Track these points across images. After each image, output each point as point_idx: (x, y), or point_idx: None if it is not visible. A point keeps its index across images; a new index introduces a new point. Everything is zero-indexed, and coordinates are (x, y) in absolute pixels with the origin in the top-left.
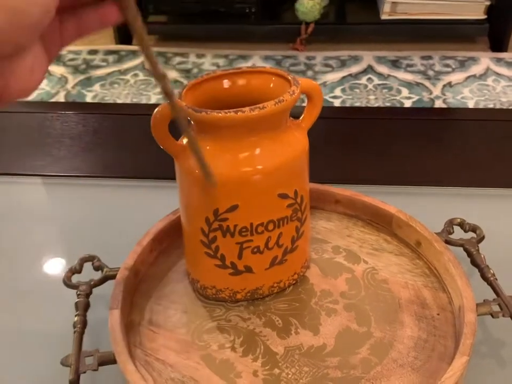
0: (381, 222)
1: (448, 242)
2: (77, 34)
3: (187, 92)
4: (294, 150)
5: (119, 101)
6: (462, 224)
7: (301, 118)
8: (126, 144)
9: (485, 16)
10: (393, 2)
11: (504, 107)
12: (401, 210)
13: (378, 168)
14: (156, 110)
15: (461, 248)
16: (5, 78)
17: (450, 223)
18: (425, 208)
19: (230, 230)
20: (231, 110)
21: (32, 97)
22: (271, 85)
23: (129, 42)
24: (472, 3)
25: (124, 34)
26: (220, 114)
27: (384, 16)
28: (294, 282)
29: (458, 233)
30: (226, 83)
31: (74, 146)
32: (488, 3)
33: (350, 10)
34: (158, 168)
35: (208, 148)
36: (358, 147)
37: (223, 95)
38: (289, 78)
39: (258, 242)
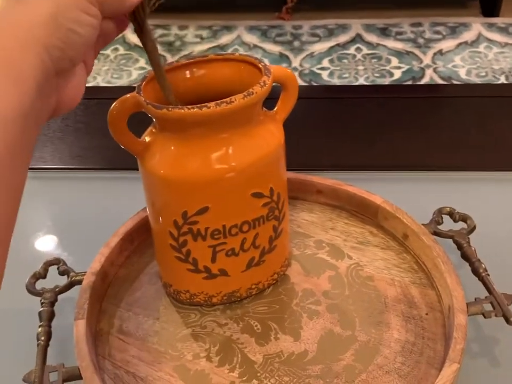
0: (366, 213)
1: (437, 234)
2: (103, 44)
3: (147, 84)
4: (268, 145)
5: (99, 78)
6: (451, 214)
7: (275, 109)
8: (97, 132)
9: None
10: None
11: (497, 75)
12: (387, 200)
13: (362, 153)
14: (113, 105)
15: (451, 240)
16: (60, 93)
17: (439, 213)
18: (413, 194)
19: (201, 233)
20: (195, 106)
21: None
22: (241, 74)
23: None
24: None
25: None
26: (182, 110)
27: None
28: (273, 282)
29: (447, 223)
30: (190, 73)
31: (41, 135)
32: None
33: None
34: (132, 157)
35: (172, 148)
36: (341, 129)
37: (188, 87)
38: (260, 66)
39: (233, 245)
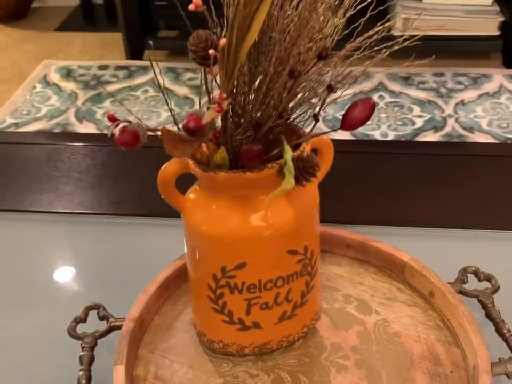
0: (393, 269)
1: (462, 292)
2: None
3: None
4: (304, 206)
5: (129, 118)
6: (476, 273)
7: None
8: (134, 179)
9: (499, 33)
10: (405, 18)
11: None
12: (414, 258)
13: (390, 208)
14: (163, 167)
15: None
16: None
17: (464, 272)
18: (439, 252)
19: (238, 287)
20: (239, 170)
21: (42, 113)
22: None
23: (139, 57)
24: (486, 19)
25: (134, 50)
26: (227, 174)
27: (396, 32)
28: (303, 335)
29: (472, 281)
30: None
31: (82, 181)
32: (501, 19)
33: (362, 27)
34: (167, 205)
35: (214, 206)
36: (370, 184)
37: None
38: (300, 133)
39: (267, 299)
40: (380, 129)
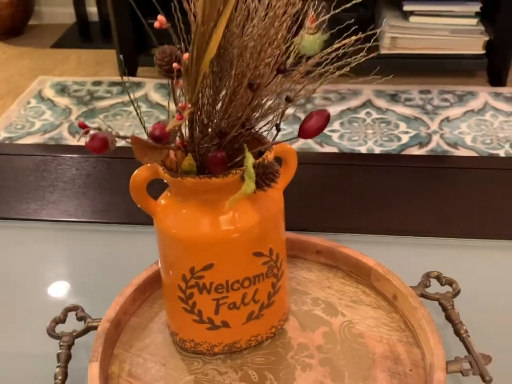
0: (360, 273)
1: (424, 296)
2: None
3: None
4: (269, 210)
5: (121, 133)
6: (438, 278)
7: None
8: (117, 188)
9: (484, 51)
10: (392, 37)
11: (501, 143)
12: (379, 263)
13: (360, 217)
14: (135, 173)
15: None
16: None
17: (427, 276)
18: (405, 258)
19: (206, 287)
20: (205, 176)
21: (36, 127)
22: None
23: (133, 74)
24: (471, 38)
25: (128, 66)
26: (194, 179)
27: (383, 51)
28: (271, 335)
29: (435, 286)
30: None
31: (67, 190)
32: (487, 38)
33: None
34: (148, 214)
35: (184, 210)
36: (341, 195)
37: None
38: (264, 141)
39: (235, 299)
40: (366, 144)
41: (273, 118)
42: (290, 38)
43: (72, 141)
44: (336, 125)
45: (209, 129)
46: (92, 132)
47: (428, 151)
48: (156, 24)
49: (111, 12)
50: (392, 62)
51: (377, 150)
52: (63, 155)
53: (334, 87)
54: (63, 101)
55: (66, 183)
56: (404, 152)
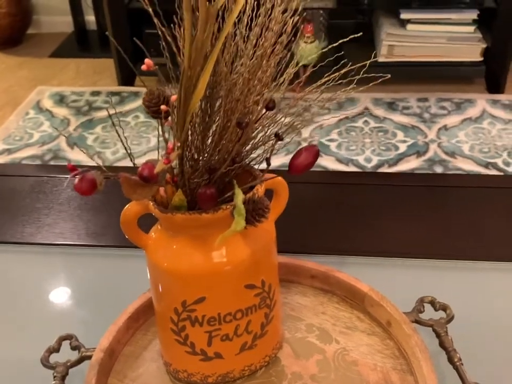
0: (354, 299)
1: (418, 322)
2: None
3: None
4: (260, 242)
5: (119, 144)
6: (432, 303)
7: None
8: (112, 210)
9: (482, 58)
10: (390, 45)
11: (499, 151)
12: (373, 288)
13: (353, 238)
14: (125, 208)
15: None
16: None
17: (421, 302)
18: (399, 280)
19: (198, 320)
20: (195, 212)
21: (35, 138)
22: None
23: (131, 83)
24: (469, 45)
25: (126, 76)
26: (184, 215)
27: (381, 59)
28: (265, 364)
29: (429, 310)
30: None
31: (62, 212)
32: (484, 45)
33: (347, 53)
34: None
35: (175, 245)
36: (334, 215)
37: None
38: (255, 174)
39: (227, 330)
40: (364, 154)
41: (263, 151)
42: (278, 74)
43: (70, 153)
44: (334, 134)
45: (199, 165)
46: (80, 173)
47: (426, 160)
48: (143, 67)
49: (108, 22)
50: (389, 70)
51: (375, 160)
52: (58, 176)
53: (332, 96)
54: (61, 112)
55: (62, 205)
56: (402, 162)
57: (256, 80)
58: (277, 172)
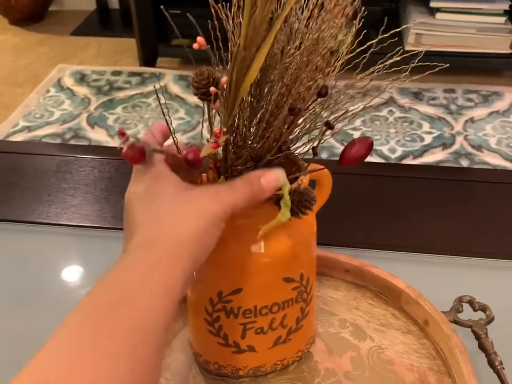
0: (389, 295)
1: (456, 322)
2: None
3: None
4: (301, 234)
5: (139, 125)
6: (471, 303)
7: None
8: None
9: (511, 50)
10: (417, 34)
11: None
12: (410, 285)
13: (389, 232)
14: None
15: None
16: None
17: (460, 301)
18: (436, 278)
19: (234, 312)
20: None
21: (55, 117)
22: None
23: (152, 64)
24: (498, 37)
25: (148, 56)
26: None
27: (408, 47)
28: (298, 359)
29: (467, 310)
30: None
31: (88, 194)
32: None
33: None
34: None
35: None
36: (373, 207)
37: None
38: (299, 164)
39: (262, 324)
40: (388, 144)
41: (309, 139)
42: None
43: (91, 132)
44: (357, 123)
45: (244, 152)
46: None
47: (452, 152)
48: (195, 46)
49: (132, 1)
50: (416, 59)
51: (399, 150)
52: (85, 156)
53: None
54: (81, 90)
55: (88, 186)
56: (427, 154)
57: (310, 64)
58: (319, 162)
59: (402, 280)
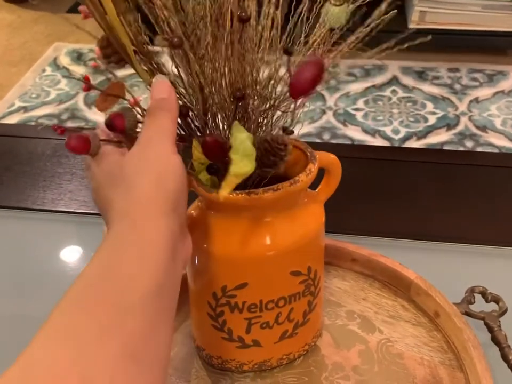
0: (398, 286)
1: (468, 314)
2: None
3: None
4: (309, 227)
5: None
6: (483, 294)
7: (317, 190)
8: None
9: None
10: (421, 11)
11: None
12: (421, 276)
13: (398, 220)
14: None
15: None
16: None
17: (471, 292)
18: (447, 267)
19: (238, 306)
20: (242, 192)
21: (51, 97)
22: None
23: (150, 42)
24: (504, 14)
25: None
26: (231, 195)
27: (412, 25)
28: (304, 353)
29: (479, 301)
30: None
31: (85, 179)
32: None
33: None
34: None
35: (217, 225)
36: (380, 193)
37: None
38: (308, 153)
39: (268, 318)
40: (391, 125)
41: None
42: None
43: (88, 112)
44: (360, 103)
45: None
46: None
47: (456, 133)
48: (82, 16)
49: None
50: (420, 37)
51: (403, 131)
52: None
53: (358, 61)
54: (79, 70)
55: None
56: (431, 135)
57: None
58: (327, 146)
59: (412, 270)
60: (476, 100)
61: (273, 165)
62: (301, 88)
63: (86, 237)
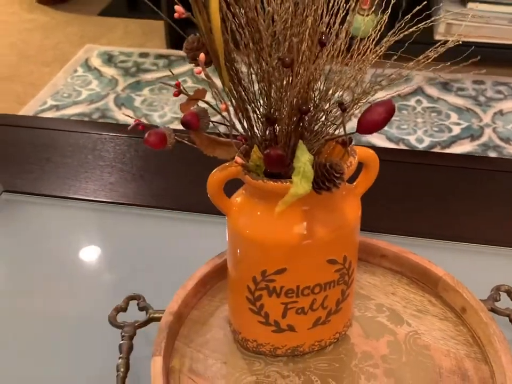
0: (426, 282)
1: (494, 310)
2: None
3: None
4: (346, 218)
5: (166, 108)
6: (509, 292)
7: (355, 183)
8: (175, 173)
9: None
10: (448, 24)
11: None
12: (449, 273)
13: (428, 220)
14: (214, 171)
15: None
16: None
17: (497, 290)
18: (473, 267)
19: (276, 291)
20: (287, 180)
21: (83, 96)
22: (328, 150)
23: (180, 47)
24: None
25: (175, 39)
26: (276, 183)
27: (438, 37)
28: (335, 341)
29: (504, 301)
30: None
31: (124, 172)
32: None
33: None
34: (205, 202)
35: (259, 212)
36: (408, 195)
37: None
38: (347, 147)
39: (303, 304)
40: (415, 134)
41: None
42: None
43: (118, 113)
44: None
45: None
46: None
47: (480, 144)
48: (176, 15)
49: None
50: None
51: (427, 141)
52: (120, 135)
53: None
54: (109, 71)
55: (125, 164)
56: (455, 145)
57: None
58: (367, 146)
59: (440, 268)
60: (500, 112)
61: (326, 189)
62: (368, 128)
63: (129, 226)
